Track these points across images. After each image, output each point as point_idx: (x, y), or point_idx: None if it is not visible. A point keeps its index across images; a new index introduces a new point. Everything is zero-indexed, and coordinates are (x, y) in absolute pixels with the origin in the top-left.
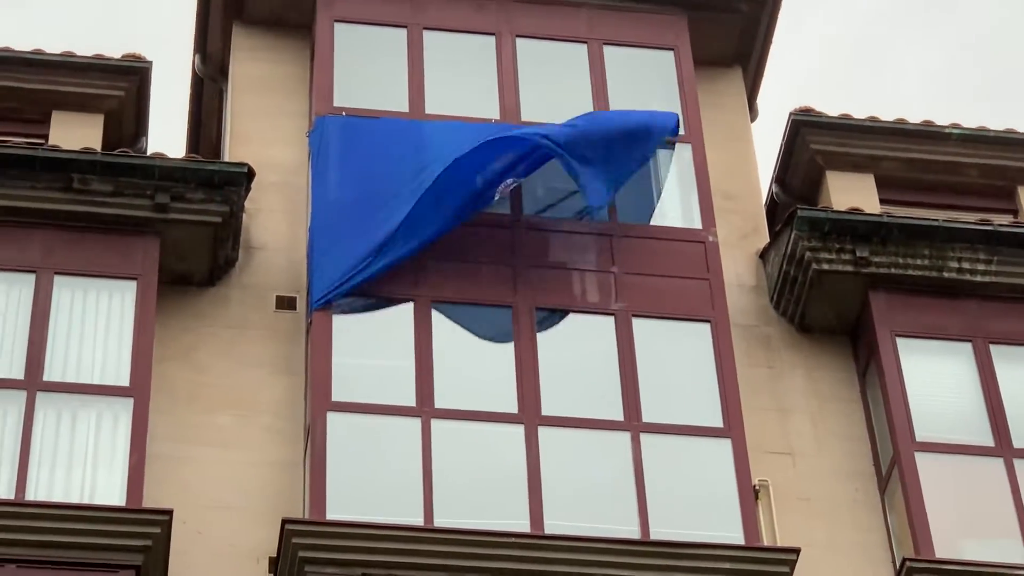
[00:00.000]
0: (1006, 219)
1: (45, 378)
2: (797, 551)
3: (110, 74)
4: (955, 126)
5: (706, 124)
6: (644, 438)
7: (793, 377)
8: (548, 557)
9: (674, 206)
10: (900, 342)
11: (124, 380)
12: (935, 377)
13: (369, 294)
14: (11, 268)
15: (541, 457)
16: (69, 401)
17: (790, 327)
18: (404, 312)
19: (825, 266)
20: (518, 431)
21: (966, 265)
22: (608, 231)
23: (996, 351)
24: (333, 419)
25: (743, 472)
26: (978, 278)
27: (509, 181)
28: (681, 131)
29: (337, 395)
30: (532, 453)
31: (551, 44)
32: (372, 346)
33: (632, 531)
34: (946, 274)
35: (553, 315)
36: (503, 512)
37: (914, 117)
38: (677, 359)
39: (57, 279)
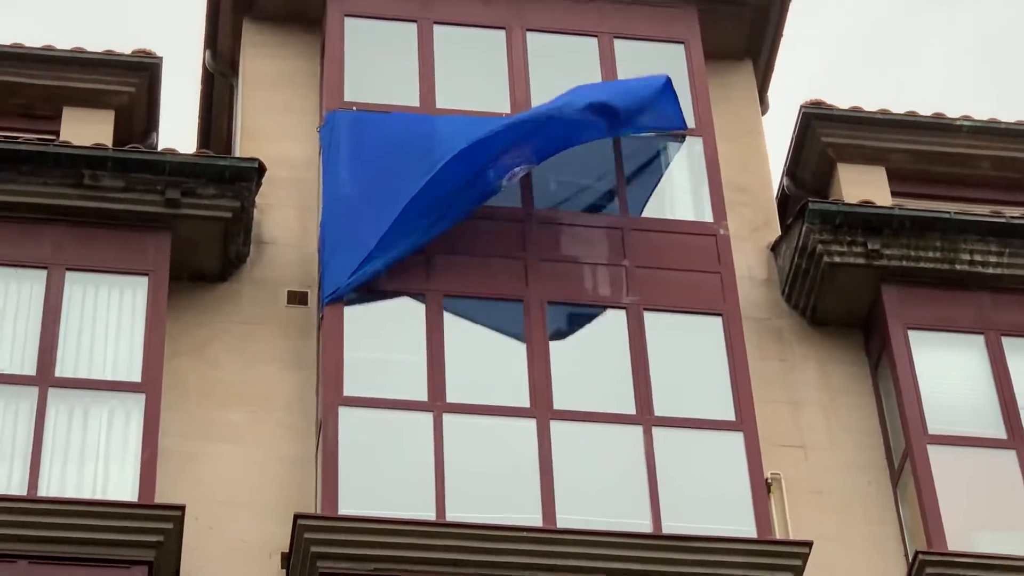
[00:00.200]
0: (1018, 211)
1: (57, 374)
2: (810, 544)
3: (121, 70)
4: (966, 118)
5: (717, 117)
6: (656, 432)
7: (805, 370)
8: (560, 551)
9: (685, 199)
10: (912, 335)
11: (136, 376)
12: (947, 370)
13: (380, 289)
14: (22, 264)
15: (553, 451)
16: (81, 397)
17: (802, 320)
18: (416, 306)
19: (836, 259)
20: (530, 425)
21: (978, 257)
22: (619, 224)
23: (1008, 343)
24: (345, 414)
25: (755, 465)
26: (990, 270)
27: (518, 169)
28: (692, 124)
29: (349, 390)
30: (544, 447)
31: (561, 38)
32: (384, 341)
33: (644, 525)
34: (958, 266)
35: (565, 309)
36: (515, 506)
37: (925, 110)
38: (689, 352)
39: (68, 275)
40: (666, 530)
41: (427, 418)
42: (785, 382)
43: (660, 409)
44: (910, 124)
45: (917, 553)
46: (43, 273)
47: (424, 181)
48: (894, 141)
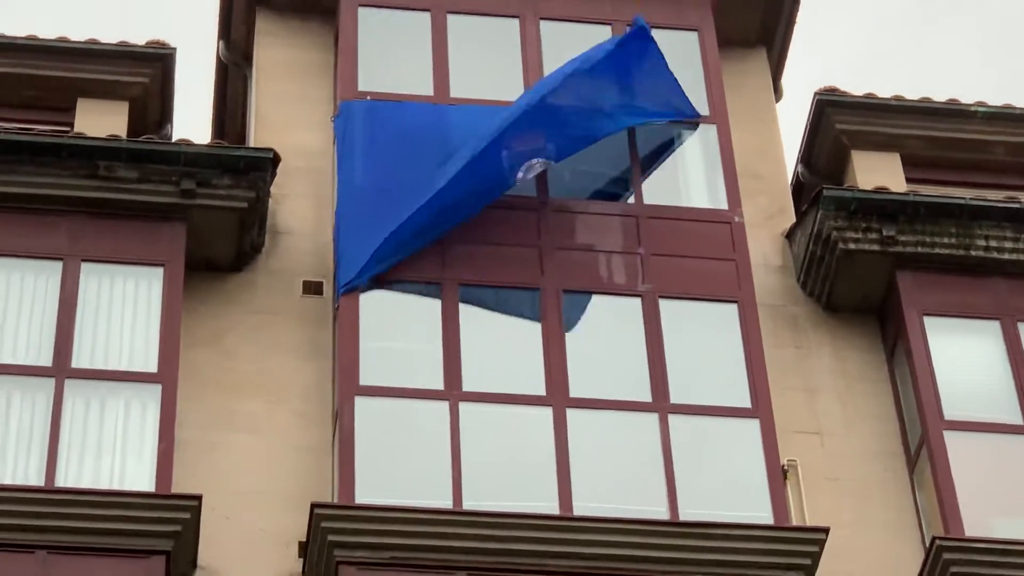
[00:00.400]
0: None
1: (73, 365)
2: (826, 531)
3: (135, 61)
4: (980, 104)
5: (731, 105)
6: (672, 419)
7: (820, 357)
8: (577, 539)
9: (700, 187)
10: (927, 321)
11: (152, 367)
12: (963, 356)
13: (396, 278)
14: (38, 256)
15: (569, 439)
16: (97, 388)
17: (817, 307)
18: (431, 295)
19: (852, 245)
20: (546, 413)
21: (993, 243)
22: (634, 212)
23: None
24: (361, 403)
25: (771, 452)
26: (1005, 256)
27: (534, 162)
28: (706, 112)
29: (365, 379)
30: (560, 435)
31: (575, 26)
32: (399, 330)
33: (661, 512)
34: (973, 252)
35: (580, 297)
36: (532, 494)
37: (939, 96)
38: (704, 340)
39: (84, 266)
40: (683, 517)
41: (443, 407)
42: (801, 369)
43: (676, 396)
44: (924, 110)
45: (934, 539)
46: (59, 264)
47: (439, 172)
48: (908, 127)
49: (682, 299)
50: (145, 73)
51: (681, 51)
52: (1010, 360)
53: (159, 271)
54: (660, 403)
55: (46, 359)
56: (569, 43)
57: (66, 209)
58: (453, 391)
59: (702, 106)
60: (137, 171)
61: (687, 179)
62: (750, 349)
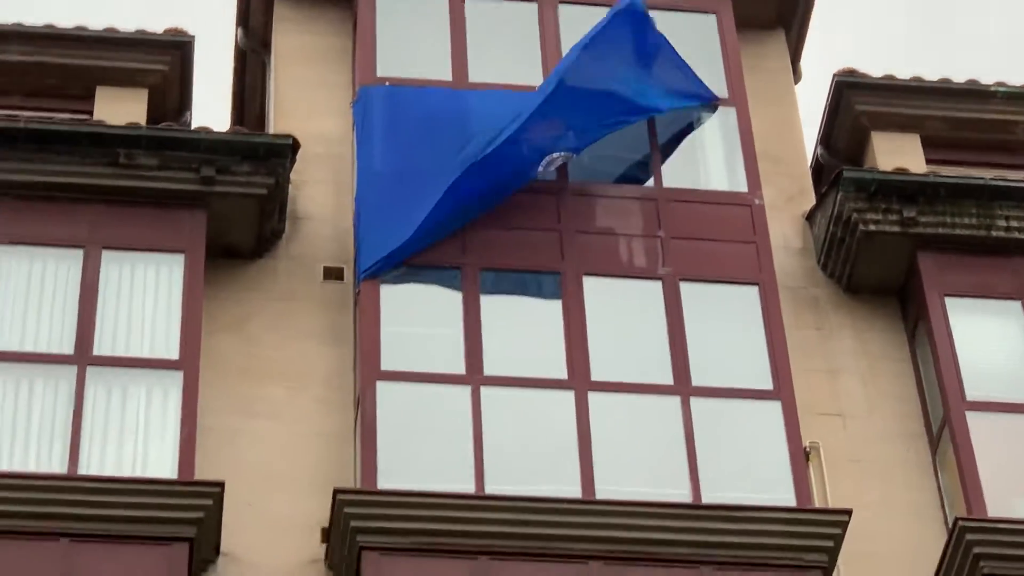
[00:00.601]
0: None
1: (95, 353)
2: (849, 512)
3: (153, 49)
4: (1000, 84)
5: (750, 87)
6: (694, 402)
7: (842, 338)
8: (600, 522)
9: (719, 170)
10: (949, 302)
11: (174, 353)
12: (984, 336)
13: (416, 263)
14: (59, 244)
15: (591, 422)
16: (119, 375)
17: (838, 288)
18: (452, 280)
19: (872, 227)
20: (568, 397)
21: (1014, 223)
22: (654, 196)
23: None
24: (382, 388)
25: (794, 434)
26: None
27: (556, 155)
28: (725, 94)
29: (386, 364)
30: (582, 419)
31: (593, 9)
32: (420, 315)
33: (683, 495)
34: (994, 233)
35: (600, 280)
36: (554, 478)
37: (959, 76)
38: (725, 322)
39: (105, 254)
40: (705, 500)
41: (465, 391)
42: (822, 351)
43: (697, 379)
44: (944, 91)
45: (957, 520)
46: (79, 252)
47: (458, 157)
48: (928, 108)
49: (703, 282)
50: (164, 61)
51: (700, 34)
52: None
53: (180, 258)
54: (682, 386)
55: (68, 347)
56: (587, 27)
57: (86, 197)
58: (475, 375)
59: (721, 89)
60: (157, 159)
61: (707, 162)
62: (771, 331)
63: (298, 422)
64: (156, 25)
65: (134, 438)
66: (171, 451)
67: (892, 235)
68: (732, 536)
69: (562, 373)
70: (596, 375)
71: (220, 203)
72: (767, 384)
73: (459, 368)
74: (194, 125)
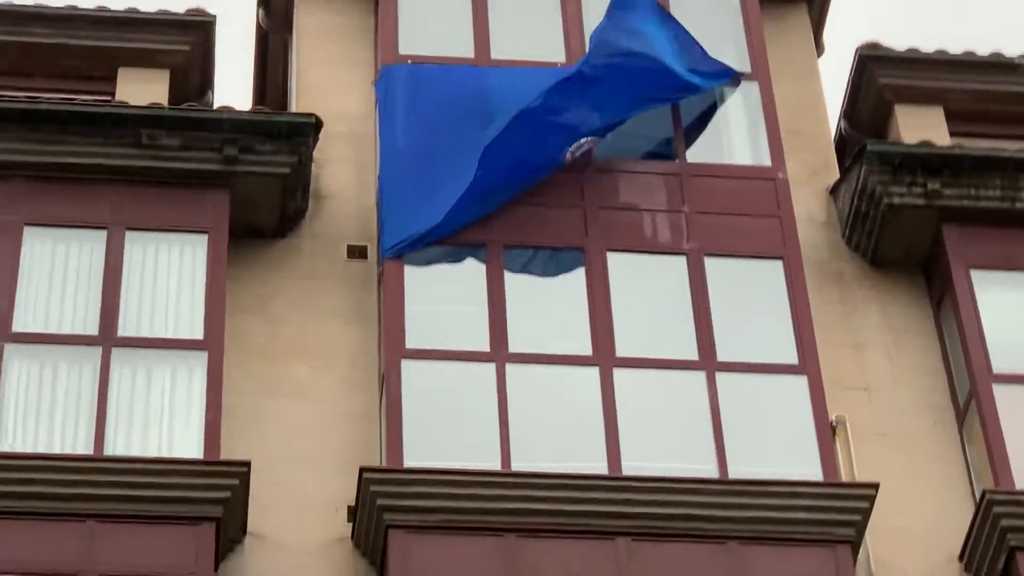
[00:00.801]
0: None
1: (120, 334)
2: (876, 486)
3: (175, 29)
4: None
5: (772, 61)
6: (720, 377)
7: (867, 312)
8: (626, 499)
9: (743, 144)
10: (974, 274)
11: (198, 334)
12: (1010, 308)
13: (440, 241)
14: (82, 225)
15: (617, 398)
16: (144, 356)
17: (863, 262)
18: (475, 258)
19: (896, 200)
20: (593, 373)
21: None
22: (677, 171)
23: None
24: (407, 367)
25: (820, 408)
26: None
27: (584, 141)
28: (747, 68)
29: (411, 343)
30: (608, 395)
31: None
32: (444, 292)
33: (710, 470)
34: (1018, 205)
35: (625, 256)
36: (580, 454)
37: (983, 49)
38: (750, 297)
39: (128, 235)
40: (732, 475)
41: (490, 369)
42: (847, 325)
43: (723, 354)
44: (968, 64)
45: (984, 492)
46: (103, 233)
47: (481, 135)
48: (952, 81)
49: (727, 256)
50: (185, 41)
51: (722, 8)
52: None
53: (203, 238)
54: (707, 361)
55: (92, 328)
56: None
57: (109, 178)
58: (499, 353)
59: (744, 63)
60: (180, 139)
61: (730, 136)
62: (796, 306)
63: (323, 401)
64: (177, 5)
65: (159, 419)
66: (196, 431)
67: (917, 208)
68: (759, 511)
69: (587, 350)
70: (621, 351)
71: (243, 183)
72: (793, 359)
73: (484, 346)
74: (216, 105)
